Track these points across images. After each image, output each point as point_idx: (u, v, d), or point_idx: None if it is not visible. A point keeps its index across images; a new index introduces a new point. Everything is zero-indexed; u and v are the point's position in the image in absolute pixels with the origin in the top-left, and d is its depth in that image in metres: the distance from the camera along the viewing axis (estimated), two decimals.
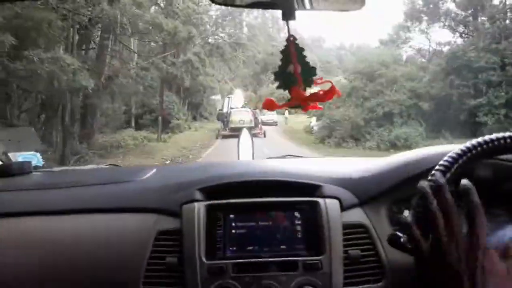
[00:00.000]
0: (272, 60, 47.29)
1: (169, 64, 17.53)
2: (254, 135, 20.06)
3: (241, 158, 2.29)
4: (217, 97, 31.93)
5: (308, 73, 0.80)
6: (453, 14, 19.89)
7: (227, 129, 21.17)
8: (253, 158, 2.21)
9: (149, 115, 25.64)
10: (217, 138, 20.87)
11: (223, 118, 22.68)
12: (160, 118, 20.91)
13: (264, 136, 19.95)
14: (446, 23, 20.08)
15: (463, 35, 19.29)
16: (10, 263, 1.02)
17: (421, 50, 22.67)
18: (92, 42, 16.32)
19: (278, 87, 0.80)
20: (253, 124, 20.55)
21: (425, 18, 21.14)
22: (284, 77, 0.79)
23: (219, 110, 26.53)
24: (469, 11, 19.38)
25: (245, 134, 2.34)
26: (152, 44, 22.17)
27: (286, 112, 26.82)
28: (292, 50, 0.79)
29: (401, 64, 20.31)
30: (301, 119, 27.85)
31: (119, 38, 16.02)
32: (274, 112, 25.35)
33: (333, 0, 0.83)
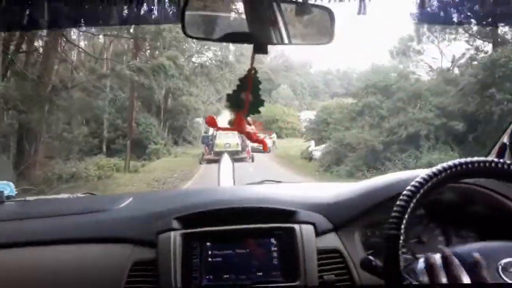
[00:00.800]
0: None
1: (134, 70, 13.36)
2: (240, 160, 17.49)
3: (222, 183, 2.23)
4: (201, 119, 28.61)
5: (257, 105, 0.91)
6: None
7: (212, 153, 19.76)
8: (234, 183, 2.15)
9: (123, 139, 22.09)
10: (200, 163, 19.12)
11: (208, 141, 21.21)
12: (128, 143, 17.40)
13: (252, 161, 18.43)
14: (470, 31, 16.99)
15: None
16: None
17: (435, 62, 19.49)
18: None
19: (227, 107, 0.92)
20: (240, 148, 19.41)
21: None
22: (235, 101, 0.91)
23: (204, 132, 24.23)
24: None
25: (225, 159, 2.33)
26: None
27: (274, 134, 24.38)
28: (250, 81, 0.90)
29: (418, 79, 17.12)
30: (295, 143, 25.13)
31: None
32: (267, 135, 22.00)
33: (303, 36, 0.94)
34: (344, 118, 17.78)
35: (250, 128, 0.93)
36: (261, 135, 0.91)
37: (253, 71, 0.88)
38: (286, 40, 0.90)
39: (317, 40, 0.91)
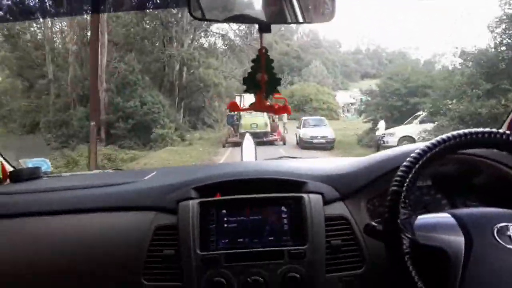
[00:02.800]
0: (287, 61, 40.06)
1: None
2: (269, 143, 15.67)
3: (245, 158, 2.32)
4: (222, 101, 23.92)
5: (273, 83, 0.93)
6: None
7: (237, 134, 17.00)
8: (255, 159, 2.20)
9: (123, 123, 17.59)
10: (224, 146, 16.53)
11: (233, 121, 18.03)
12: (92, 125, 11.04)
13: (284, 143, 16.39)
14: None
15: None
16: (22, 260, 1.13)
17: None
18: None
19: (245, 91, 0.94)
20: (268, 129, 17.19)
21: None
22: (252, 83, 0.92)
23: (229, 112, 19.35)
24: None
25: (247, 139, 2.42)
26: None
27: (285, 116, 18.55)
28: (263, 61, 0.91)
29: None
30: (335, 126, 19.73)
31: None
32: (326, 124, 17.72)
33: (304, 14, 0.93)
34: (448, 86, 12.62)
35: (270, 104, 0.94)
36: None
37: (263, 50, 0.90)
38: (289, 19, 0.93)
39: (319, 18, 0.95)
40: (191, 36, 21.52)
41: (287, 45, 43.73)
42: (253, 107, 0.93)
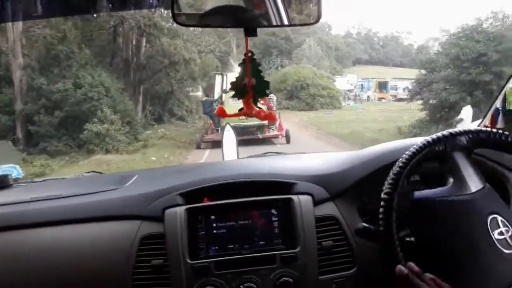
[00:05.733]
0: (275, 42, 34.34)
1: None
2: (267, 140, 11.88)
3: (226, 158, 2.31)
4: (199, 93, 18.38)
5: (261, 88, 0.91)
6: None
7: (218, 129, 11.86)
8: (237, 157, 2.18)
9: (48, 115, 11.93)
10: (198, 147, 12.00)
11: (212, 110, 12.81)
12: None
13: (287, 142, 11.69)
14: None
15: None
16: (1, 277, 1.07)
17: None
18: None
19: (233, 96, 0.91)
20: (264, 122, 11.49)
21: None
22: (239, 88, 0.90)
23: (206, 96, 15.15)
24: None
25: (228, 132, 2.26)
26: None
27: (273, 99, 13.98)
28: (248, 65, 0.89)
29: None
30: (344, 117, 17.55)
31: None
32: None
33: (290, 18, 0.93)
34: None
35: (257, 109, 0.93)
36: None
37: (249, 54, 0.89)
38: (274, 22, 0.93)
39: (305, 20, 0.95)
40: None
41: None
42: (242, 113, 0.92)
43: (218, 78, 14.29)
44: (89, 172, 1.65)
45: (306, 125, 16.97)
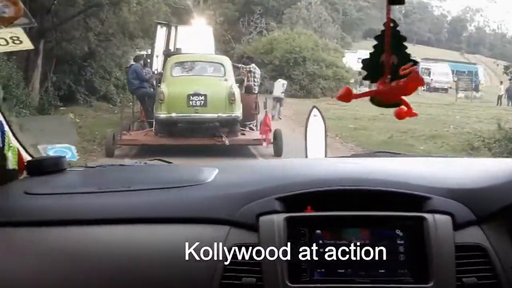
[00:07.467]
0: None
1: None
2: (241, 147, 8.29)
3: (310, 155, 1.90)
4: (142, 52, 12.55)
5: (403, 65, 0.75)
6: None
7: (153, 121, 8.01)
8: (325, 155, 1.78)
9: None
10: (109, 155, 7.34)
11: (144, 88, 8.80)
12: None
13: (277, 154, 7.53)
14: None
15: None
16: (55, 276, 0.93)
17: None
18: None
19: (364, 78, 0.79)
20: (237, 111, 7.94)
21: None
22: (373, 68, 0.76)
23: (134, 60, 10.06)
24: None
25: (315, 118, 1.71)
26: None
27: (257, 72, 10.39)
28: (388, 39, 0.74)
29: None
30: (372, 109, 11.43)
31: None
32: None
33: None
34: None
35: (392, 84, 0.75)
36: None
37: (391, 24, 0.73)
38: None
39: None
40: None
41: None
42: (374, 93, 0.76)
43: (160, 32, 9.96)
44: (152, 160, 1.50)
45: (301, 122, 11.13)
